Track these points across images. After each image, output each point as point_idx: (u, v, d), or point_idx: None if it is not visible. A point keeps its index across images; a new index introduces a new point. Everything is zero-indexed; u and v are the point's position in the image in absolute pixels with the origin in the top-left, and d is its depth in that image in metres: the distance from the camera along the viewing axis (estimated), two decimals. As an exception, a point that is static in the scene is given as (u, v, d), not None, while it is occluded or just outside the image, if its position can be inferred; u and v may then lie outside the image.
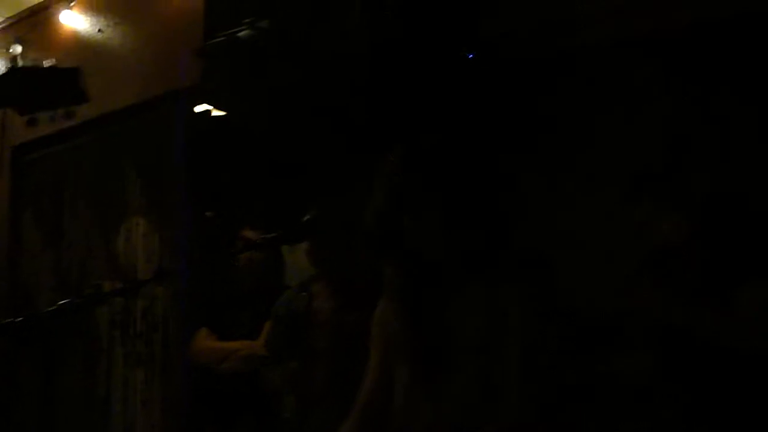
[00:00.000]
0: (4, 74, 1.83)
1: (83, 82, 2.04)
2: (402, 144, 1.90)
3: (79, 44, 5.29)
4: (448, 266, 1.87)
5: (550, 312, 1.82)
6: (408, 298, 1.90)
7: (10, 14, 5.76)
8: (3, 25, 5.78)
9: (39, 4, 5.58)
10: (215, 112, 4.40)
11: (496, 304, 1.81)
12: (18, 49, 5.47)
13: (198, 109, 4.57)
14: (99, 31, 5.18)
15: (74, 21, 5.34)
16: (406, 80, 3.03)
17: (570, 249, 2.71)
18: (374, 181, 1.89)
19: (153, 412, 4.63)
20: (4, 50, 5.56)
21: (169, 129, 4.63)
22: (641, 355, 2.34)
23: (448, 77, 3.01)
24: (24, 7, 5.70)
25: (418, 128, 2.09)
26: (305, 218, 1.77)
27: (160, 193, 4.73)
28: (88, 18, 5.28)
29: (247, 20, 3.79)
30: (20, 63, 5.18)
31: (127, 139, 5.01)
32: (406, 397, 1.90)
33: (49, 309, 1.69)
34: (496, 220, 1.87)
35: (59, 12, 5.39)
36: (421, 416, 1.86)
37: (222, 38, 3.85)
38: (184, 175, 4.52)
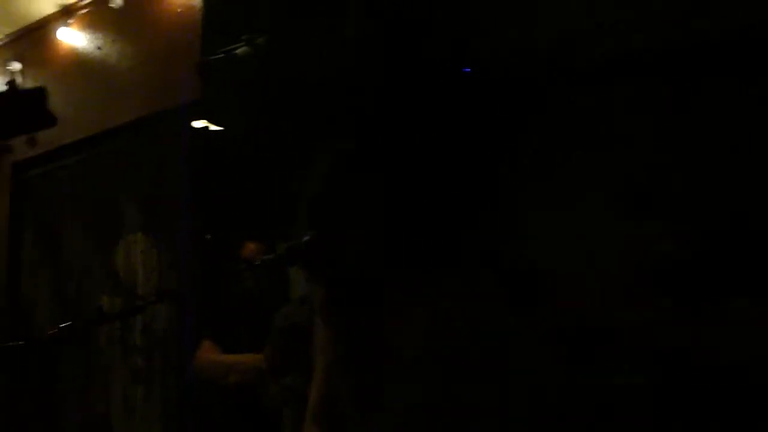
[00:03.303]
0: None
1: (47, 104, 2.00)
2: (327, 151, 1.89)
3: (78, 61, 5.31)
4: (387, 277, 1.86)
5: (530, 325, 1.82)
6: (340, 313, 1.88)
7: (9, 31, 5.78)
8: (2, 42, 5.80)
9: (38, 21, 5.59)
10: (213, 128, 4.41)
11: (445, 317, 1.80)
12: (17, 66, 5.49)
13: (196, 125, 4.58)
14: (98, 48, 5.20)
15: (73, 38, 5.36)
16: (403, 95, 3.03)
17: (565, 263, 2.71)
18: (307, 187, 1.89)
19: (152, 429, 4.62)
20: (3, 67, 5.58)
21: (168, 145, 4.64)
22: (637, 372, 2.33)
23: (440, 92, 3.02)
24: (23, 23, 5.71)
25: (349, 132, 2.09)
26: (304, 239, 1.78)
27: (159, 210, 4.73)
28: (87, 35, 5.30)
29: (244, 37, 3.80)
30: (19, 80, 5.20)
31: (126, 155, 5.01)
32: (348, 408, 1.90)
33: (50, 332, 1.68)
34: (457, 230, 1.86)
35: (58, 29, 5.41)
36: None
37: (220, 55, 3.86)
38: (182, 192, 4.53)
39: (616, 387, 2.21)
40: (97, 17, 5.25)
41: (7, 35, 5.77)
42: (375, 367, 1.82)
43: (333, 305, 1.86)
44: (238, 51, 3.83)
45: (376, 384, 1.82)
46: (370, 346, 1.83)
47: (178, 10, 4.64)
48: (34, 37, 5.58)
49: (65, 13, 5.39)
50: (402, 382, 1.79)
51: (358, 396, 1.85)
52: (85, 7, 5.33)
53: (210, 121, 4.35)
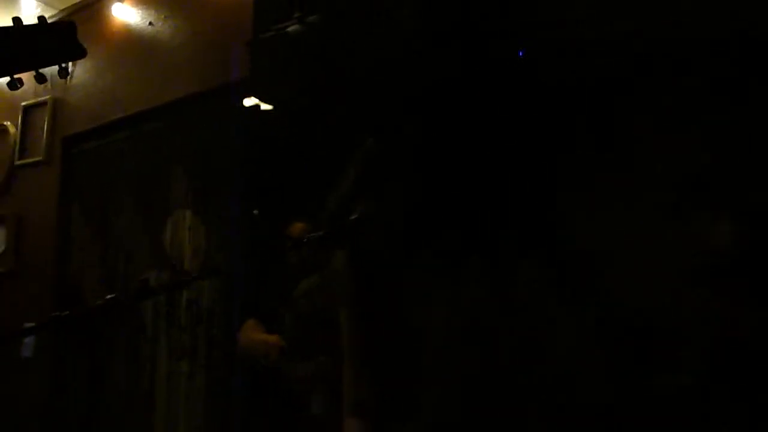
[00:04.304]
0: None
1: (77, 36, 2.02)
2: (378, 132, 1.86)
3: (131, 37, 5.33)
4: (410, 259, 1.81)
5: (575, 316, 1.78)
6: (362, 290, 1.85)
7: (63, 6, 5.81)
8: (56, 17, 5.83)
9: (92, -3, 5.63)
10: (264, 106, 4.39)
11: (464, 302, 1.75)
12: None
13: (247, 102, 4.57)
14: (150, 24, 5.20)
15: (126, 14, 5.38)
16: (457, 76, 2.98)
17: (616, 256, 2.65)
18: (347, 167, 1.85)
19: (196, 406, 4.64)
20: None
21: (218, 123, 4.63)
22: (692, 367, 2.27)
23: (494, 73, 2.96)
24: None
25: (399, 117, 2.05)
26: (352, 217, 1.75)
27: (207, 187, 4.73)
28: (140, 11, 5.31)
29: (296, 15, 3.78)
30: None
31: (175, 132, 5.02)
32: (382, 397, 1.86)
33: (97, 303, 1.67)
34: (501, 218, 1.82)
35: (111, 5, 5.43)
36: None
37: (272, 32, 3.83)
38: (231, 169, 4.53)
39: (665, 385, 2.15)
40: (150, -6, 5.27)
41: (62, 10, 5.81)
42: (403, 352, 1.79)
43: (366, 287, 1.82)
44: (289, 29, 3.80)
45: (407, 371, 1.79)
46: (397, 329, 1.79)
47: (231, -13, 4.63)
48: (87, 13, 5.61)
49: (119, -10, 5.41)
50: (433, 366, 1.76)
51: (390, 384, 1.82)
52: (138, -17, 5.35)
53: (261, 99, 4.33)
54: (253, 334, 3.86)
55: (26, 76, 2.07)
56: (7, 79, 2.08)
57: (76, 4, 5.75)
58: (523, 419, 1.72)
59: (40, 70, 2.03)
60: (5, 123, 6.05)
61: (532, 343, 1.77)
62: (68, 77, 2.13)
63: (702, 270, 2.35)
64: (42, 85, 2.26)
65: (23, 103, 5.92)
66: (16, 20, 1.99)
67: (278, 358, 3.64)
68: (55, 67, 2.07)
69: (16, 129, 6.00)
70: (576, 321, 1.80)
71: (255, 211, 4.39)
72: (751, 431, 2.06)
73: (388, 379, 1.81)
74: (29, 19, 1.95)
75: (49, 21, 2.01)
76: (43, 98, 5.74)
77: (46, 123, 5.81)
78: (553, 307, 1.79)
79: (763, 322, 2.15)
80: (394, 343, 1.80)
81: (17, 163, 5.98)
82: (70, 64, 2.25)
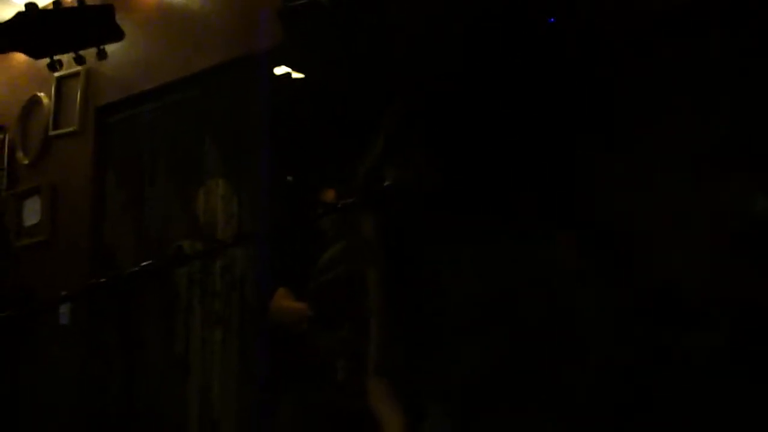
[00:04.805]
0: (19, 15, 1.84)
1: (115, 18, 2.05)
2: (404, 96, 1.86)
3: (161, 6, 5.34)
4: (439, 225, 1.82)
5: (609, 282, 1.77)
6: (391, 253, 1.85)
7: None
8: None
9: (120, -34, 5.63)
10: (295, 75, 4.39)
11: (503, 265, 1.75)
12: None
13: (278, 71, 4.57)
14: (180, -8, 5.21)
15: (155, -18, 5.39)
16: (487, 46, 2.96)
17: (649, 224, 2.63)
18: (376, 133, 1.86)
19: (230, 372, 4.69)
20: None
21: (249, 91, 4.64)
22: (722, 335, 2.26)
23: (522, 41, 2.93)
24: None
25: (423, 81, 2.04)
26: (385, 184, 1.75)
27: (240, 155, 4.75)
28: (170, -20, 5.32)
29: (327, -17, 3.77)
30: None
31: (207, 101, 5.04)
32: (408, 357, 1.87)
33: (131, 270, 1.69)
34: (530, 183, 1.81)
35: (140, -26, 5.44)
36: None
37: (303, 1, 3.83)
38: (263, 138, 4.54)
39: (697, 348, 2.15)
40: (180, -38, 5.26)
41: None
42: (428, 313, 1.80)
43: (395, 250, 1.83)
44: (321, -2, 3.79)
45: (432, 331, 1.80)
46: (424, 292, 1.80)
47: (261, -46, 4.62)
48: (119, -17, 5.61)
49: (149, -42, 5.41)
50: (458, 330, 1.76)
51: (415, 344, 1.83)
52: (168, -48, 5.34)
53: (292, 67, 4.34)
54: (284, 301, 3.90)
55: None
56: (47, 60, 2.10)
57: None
58: (547, 382, 1.73)
59: (80, 52, 2.06)
60: (39, 94, 6.10)
61: (560, 309, 1.78)
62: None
63: (735, 239, 2.33)
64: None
65: (56, 74, 5.95)
66: (56, 2, 2.01)
67: (305, 327, 3.68)
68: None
69: (50, 100, 6.04)
70: (606, 290, 1.80)
71: (289, 178, 4.41)
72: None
73: (414, 341, 1.83)
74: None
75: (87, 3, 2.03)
76: (76, 69, 5.76)
77: (79, 94, 5.84)
78: (582, 274, 1.79)
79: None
80: (421, 306, 1.82)
81: (51, 133, 6.02)
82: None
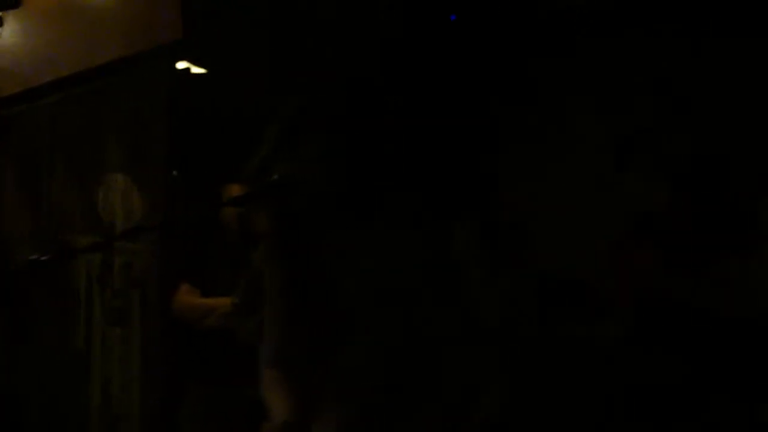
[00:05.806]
0: None
1: None
2: (296, 95, 1.89)
3: (60, -2, 5.23)
4: (332, 219, 1.86)
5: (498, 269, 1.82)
6: (286, 242, 1.89)
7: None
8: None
9: (18, -45, 5.50)
10: (195, 69, 4.37)
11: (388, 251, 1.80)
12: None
13: (179, 65, 4.53)
14: (79, -16, 5.12)
15: (54, -26, 5.28)
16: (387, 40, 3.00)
17: (548, 215, 2.70)
18: (265, 130, 1.89)
19: (131, 369, 4.65)
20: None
21: (150, 85, 4.60)
22: (618, 322, 2.34)
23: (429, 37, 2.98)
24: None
25: (316, 80, 2.09)
26: (273, 178, 1.77)
27: (140, 151, 4.71)
28: (69, -30, 5.21)
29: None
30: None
31: (107, 95, 4.97)
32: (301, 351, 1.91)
33: (21, 263, 1.68)
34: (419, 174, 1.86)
35: (39, -36, 5.32)
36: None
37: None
38: (164, 133, 4.50)
39: (592, 338, 2.22)
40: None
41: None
42: (323, 309, 1.83)
43: (284, 245, 1.86)
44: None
45: (326, 326, 1.83)
46: (316, 286, 1.83)
47: (162, -54, 4.57)
48: (15, -28, 5.48)
49: (46, -52, 5.30)
50: (352, 325, 1.80)
51: (309, 339, 1.86)
52: (67, -58, 5.24)
53: (192, 61, 4.31)
54: (188, 297, 3.89)
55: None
56: None
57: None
58: (441, 370, 1.77)
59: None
60: (-68, 86, 5.92)
61: (453, 299, 1.82)
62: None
63: (631, 230, 2.41)
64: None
65: (-50, 66, 5.79)
66: None
67: (227, 318, 3.68)
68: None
69: (-56, 92, 5.87)
70: (504, 279, 1.84)
71: (174, 173, 4.39)
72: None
73: (306, 334, 1.85)
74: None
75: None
76: (-30, 61, 5.62)
77: (-26, 86, 5.69)
78: (480, 263, 1.84)
79: (687, 280, 2.22)
80: (315, 297, 1.84)
81: (-54, 126, 5.85)
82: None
